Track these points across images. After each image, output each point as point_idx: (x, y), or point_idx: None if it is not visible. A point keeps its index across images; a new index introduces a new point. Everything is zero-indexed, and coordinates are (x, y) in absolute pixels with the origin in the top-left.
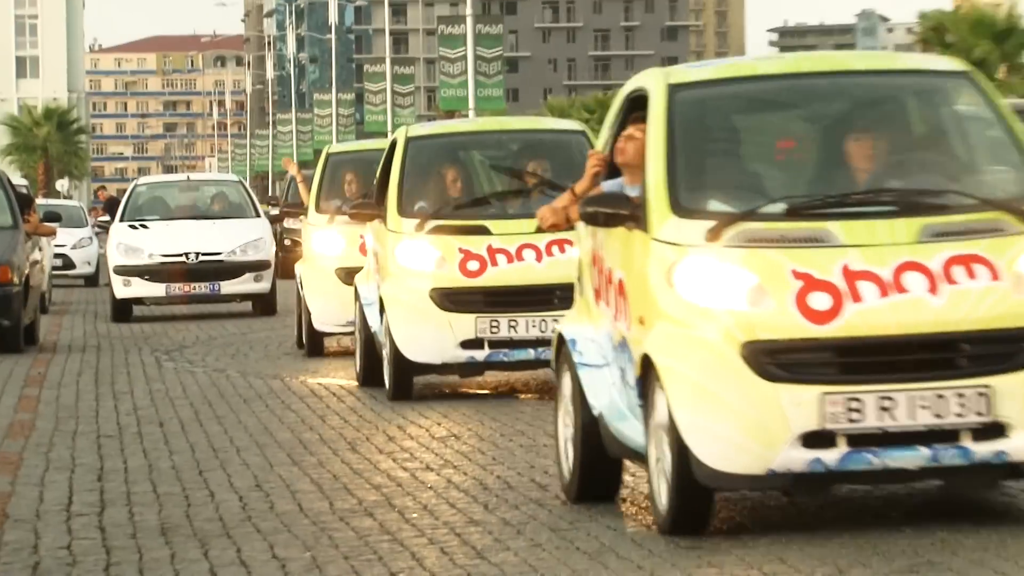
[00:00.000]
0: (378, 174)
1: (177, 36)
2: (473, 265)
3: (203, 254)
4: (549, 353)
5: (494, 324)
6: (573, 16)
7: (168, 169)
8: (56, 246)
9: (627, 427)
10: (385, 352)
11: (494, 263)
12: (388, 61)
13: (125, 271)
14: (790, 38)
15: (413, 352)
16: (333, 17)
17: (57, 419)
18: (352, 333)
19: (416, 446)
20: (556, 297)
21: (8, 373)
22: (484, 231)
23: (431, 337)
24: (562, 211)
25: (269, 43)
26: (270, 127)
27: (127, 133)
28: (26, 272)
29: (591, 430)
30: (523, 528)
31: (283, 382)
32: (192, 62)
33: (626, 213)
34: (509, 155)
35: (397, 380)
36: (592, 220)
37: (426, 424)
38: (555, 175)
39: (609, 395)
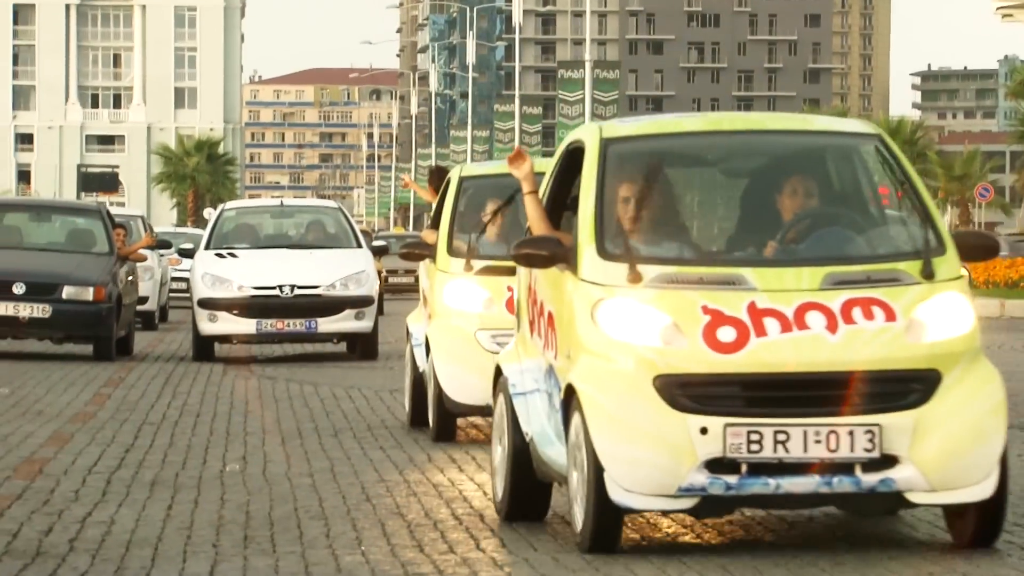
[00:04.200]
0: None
1: (335, 69)
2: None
3: (299, 287)
4: (842, 483)
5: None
6: (718, 57)
7: (323, 199)
8: (180, 270)
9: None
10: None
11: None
12: (517, 100)
13: (211, 304)
14: (933, 82)
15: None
16: (471, 56)
17: (116, 411)
18: (488, 415)
19: (386, 435)
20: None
21: (94, 376)
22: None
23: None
24: None
25: (414, 79)
26: (413, 161)
27: (284, 163)
28: (118, 292)
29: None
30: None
31: (313, 387)
32: (348, 95)
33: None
34: (755, 171)
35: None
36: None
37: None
38: (823, 198)
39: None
